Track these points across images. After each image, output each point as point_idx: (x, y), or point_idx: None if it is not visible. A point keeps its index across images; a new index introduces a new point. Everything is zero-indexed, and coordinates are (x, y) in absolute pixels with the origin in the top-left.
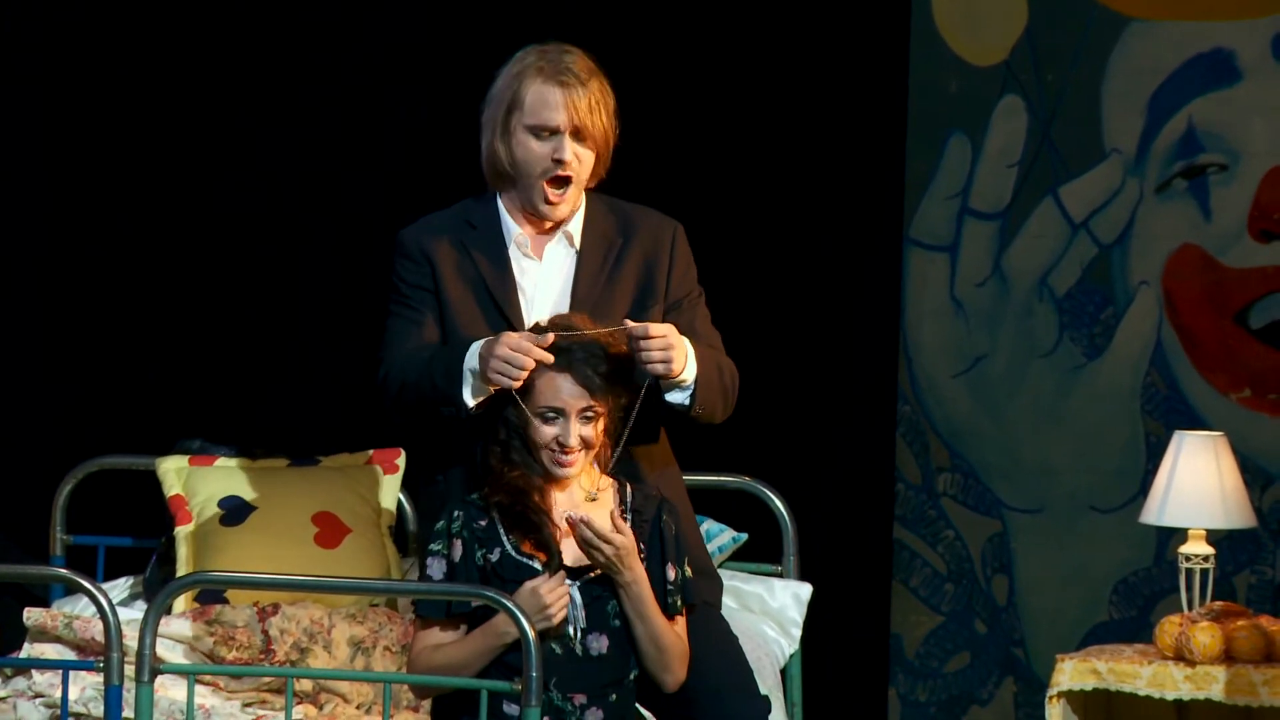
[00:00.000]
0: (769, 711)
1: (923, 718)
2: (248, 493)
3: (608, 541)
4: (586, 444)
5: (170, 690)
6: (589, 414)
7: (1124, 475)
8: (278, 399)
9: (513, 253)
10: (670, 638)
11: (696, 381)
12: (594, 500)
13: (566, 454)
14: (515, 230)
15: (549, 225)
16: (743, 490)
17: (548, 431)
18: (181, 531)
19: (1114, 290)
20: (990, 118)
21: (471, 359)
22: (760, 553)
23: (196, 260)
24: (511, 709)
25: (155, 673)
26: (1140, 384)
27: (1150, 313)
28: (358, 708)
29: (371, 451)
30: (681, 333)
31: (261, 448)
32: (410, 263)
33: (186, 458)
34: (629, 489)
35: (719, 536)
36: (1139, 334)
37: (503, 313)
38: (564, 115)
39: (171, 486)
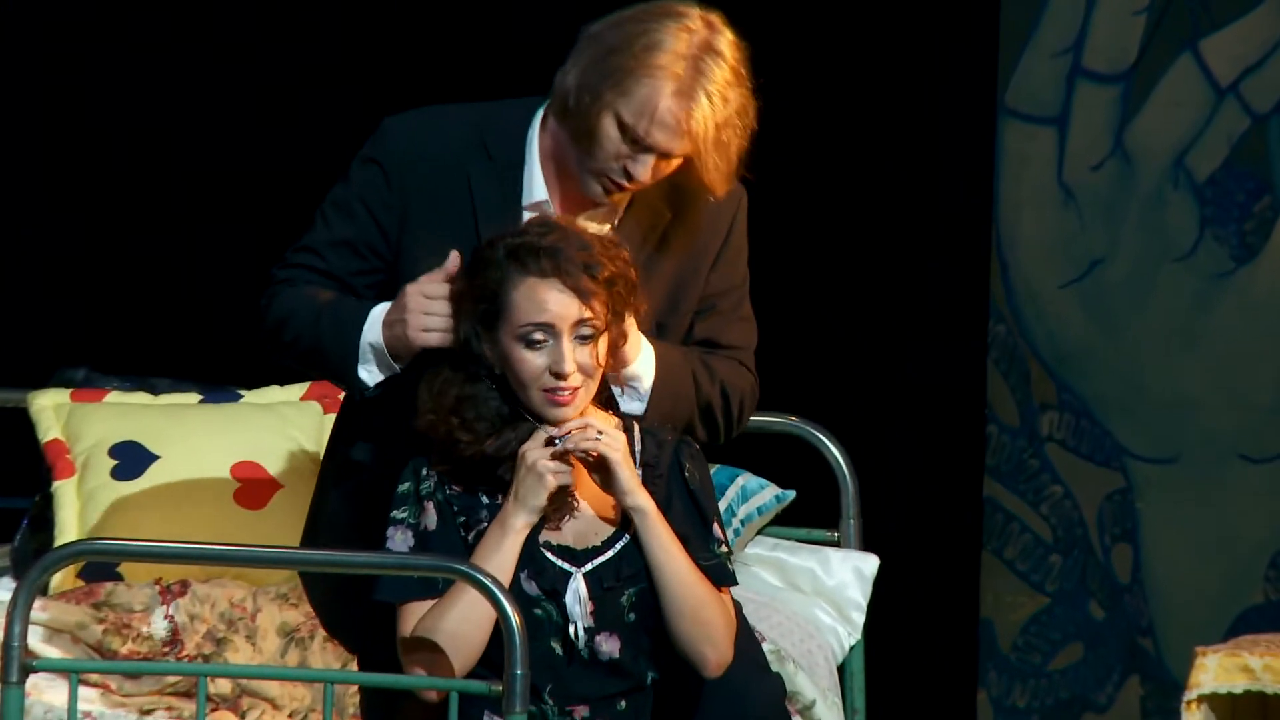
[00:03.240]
0: (784, 693)
1: None
2: (148, 437)
3: (609, 429)
4: (585, 372)
5: (46, 693)
6: (586, 330)
7: None
8: (185, 316)
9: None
10: (710, 594)
11: (653, 389)
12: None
13: (563, 388)
14: (540, 194)
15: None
16: (790, 434)
17: (535, 361)
18: (61, 487)
19: (1271, 174)
20: None
21: (372, 331)
22: (812, 515)
23: (83, 149)
24: None
25: (27, 671)
26: None
27: None
28: (290, 716)
29: (308, 384)
30: (703, 339)
31: (165, 378)
32: (382, 183)
33: (68, 391)
34: (638, 434)
35: (759, 495)
36: None
37: None
38: (675, 143)
39: (48, 429)
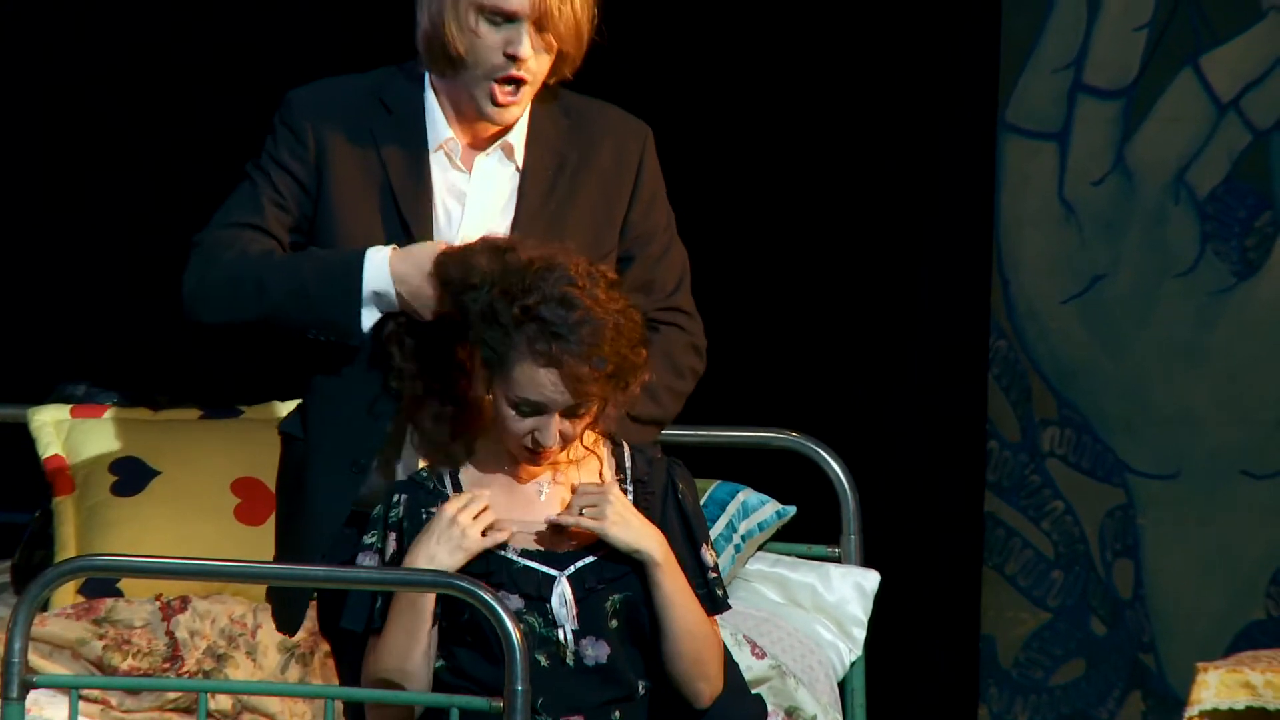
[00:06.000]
0: (765, 714)
1: None
2: (148, 453)
3: (594, 500)
4: (566, 439)
5: (46, 709)
6: (578, 411)
7: None
8: (186, 332)
9: (436, 161)
10: (709, 634)
11: None
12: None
13: (542, 454)
14: (445, 133)
15: (490, 131)
16: (790, 450)
17: (522, 425)
18: (61, 503)
19: (1272, 189)
20: None
21: (377, 280)
22: (813, 531)
23: (84, 163)
24: None
25: (27, 687)
26: None
27: None
28: None
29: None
30: (640, 283)
31: (165, 394)
32: (292, 139)
33: (68, 407)
34: (627, 452)
35: (759, 511)
36: None
37: (411, 238)
38: (526, 0)
39: (48, 444)
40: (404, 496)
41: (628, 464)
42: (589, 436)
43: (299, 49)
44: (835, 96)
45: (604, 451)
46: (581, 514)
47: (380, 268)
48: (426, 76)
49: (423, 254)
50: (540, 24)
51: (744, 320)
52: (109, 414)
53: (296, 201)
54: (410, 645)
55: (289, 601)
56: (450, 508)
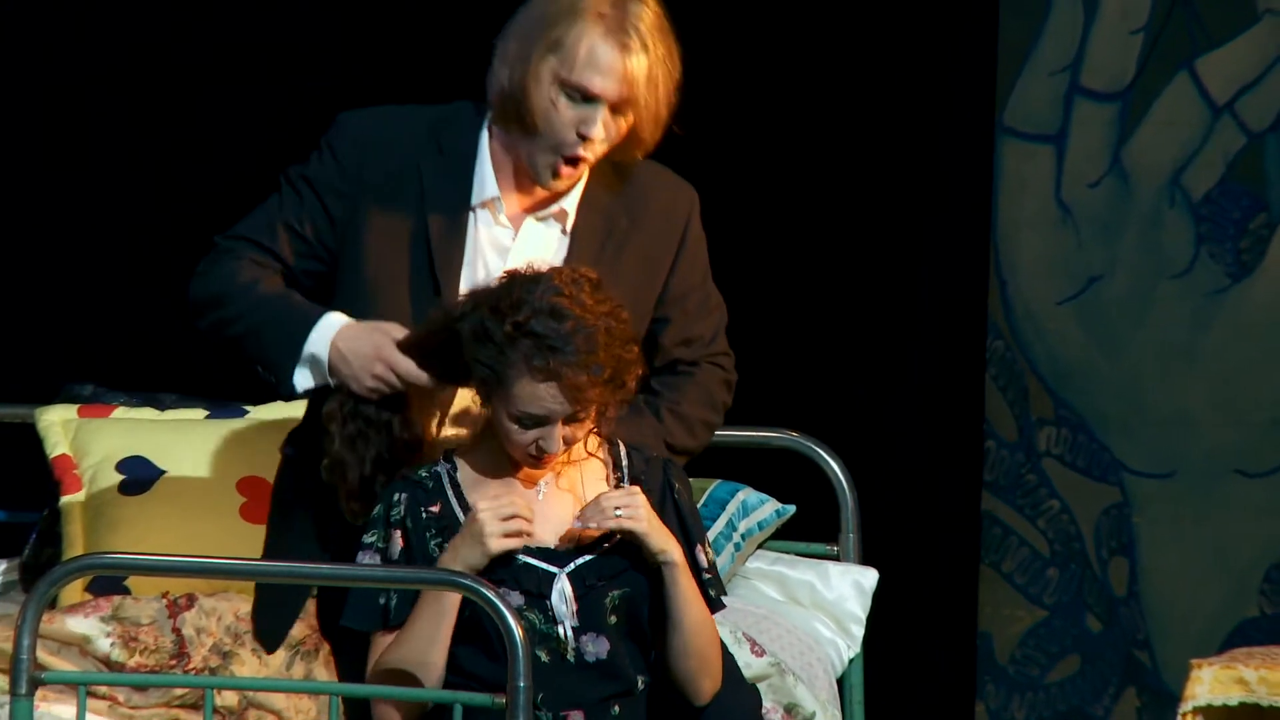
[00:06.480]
0: (760, 704)
1: None
2: (154, 452)
3: (625, 501)
4: (569, 444)
5: (55, 706)
6: (579, 417)
7: (1279, 429)
8: (192, 332)
9: (480, 217)
10: (714, 631)
11: None
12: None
13: (545, 460)
14: (491, 191)
15: (540, 196)
16: (790, 449)
17: (525, 436)
18: (69, 501)
19: (1266, 191)
20: None
21: (318, 343)
22: (811, 529)
23: (89, 165)
24: None
25: (36, 683)
26: None
27: None
28: None
29: None
30: (680, 339)
31: (172, 394)
32: (335, 167)
33: (75, 407)
34: (623, 451)
35: (759, 510)
36: None
37: (438, 286)
38: (613, 85)
39: (56, 444)
40: (404, 495)
41: (624, 463)
42: (593, 442)
43: (299, 49)
44: (834, 98)
45: (602, 451)
46: (618, 513)
47: (325, 333)
48: (485, 123)
49: (374, 330)
50: (618, 108)
51: (745, 320)
52: (116, 414)
53: (317, 231)
54: (435, 636)
55: (273, 619)
56: (480, 503)
